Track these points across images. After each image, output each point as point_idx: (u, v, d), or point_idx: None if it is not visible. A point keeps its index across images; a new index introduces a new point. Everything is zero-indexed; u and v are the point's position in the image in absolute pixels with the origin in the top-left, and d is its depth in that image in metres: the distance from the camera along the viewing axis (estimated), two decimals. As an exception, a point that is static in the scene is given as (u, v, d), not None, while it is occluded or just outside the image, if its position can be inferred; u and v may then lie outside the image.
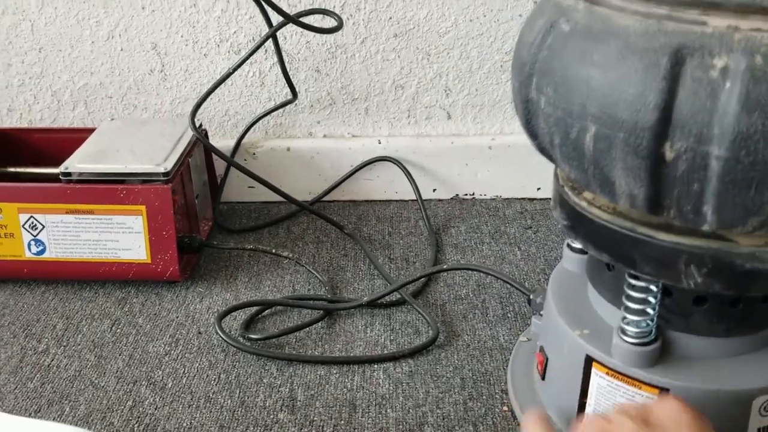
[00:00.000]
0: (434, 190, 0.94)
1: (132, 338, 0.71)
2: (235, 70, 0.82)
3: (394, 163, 0.92)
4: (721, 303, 0.47)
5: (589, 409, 0.52)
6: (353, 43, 0.88)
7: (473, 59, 0.88)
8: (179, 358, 0.68)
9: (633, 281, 0.48)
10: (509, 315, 0.73)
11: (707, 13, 0.36)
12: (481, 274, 0.77)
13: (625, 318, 0.49)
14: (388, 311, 0.73)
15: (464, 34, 0.87)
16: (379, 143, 0.93)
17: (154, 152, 0.77)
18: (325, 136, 0.94)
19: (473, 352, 0.67)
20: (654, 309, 0.48)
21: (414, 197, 0.92)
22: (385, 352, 0.68)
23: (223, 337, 0.68)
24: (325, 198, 0.94)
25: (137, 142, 0.80)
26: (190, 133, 0.82)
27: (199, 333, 0.71)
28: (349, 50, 0.88)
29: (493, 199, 0.94)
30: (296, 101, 0.90)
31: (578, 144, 0.41)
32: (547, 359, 0.57)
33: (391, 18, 0.86)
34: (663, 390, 0.48)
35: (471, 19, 0.86)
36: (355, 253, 0.84)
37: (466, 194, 0.94)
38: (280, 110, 0.92)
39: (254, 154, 0.93)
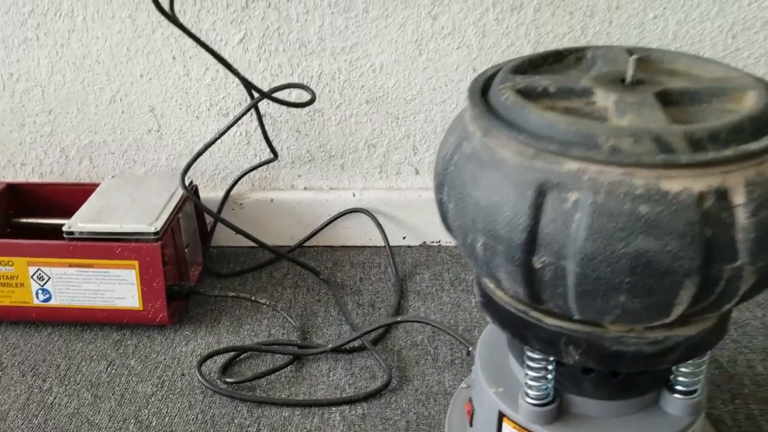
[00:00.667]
0: (404, 237, 1.04)
1: (124, 378, 0.81)
2: (222, 135, 0.91)
3: (366, 214, 1.01)
4: (604, 373, 0.56)
5: (503, 456, 0.61)
6: (329, 108, 0.97)
7: (437, 122, 0.98)
8: (164, 398, 0.78)
9: (530, 353, 0.57)
10: (456, 362, 0.82)
11: (564, 157, 0.45)
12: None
13: (527, 382, 0.58)
14: (351, 356, 0.83)
15: (428, 101, 0.96)
16: (354, 195, 1.02)
17: (147, 211, 0.87)
18: (305, 188, 1.04)
19: (420, 397, 0.77)
20: (551, 375, 0.57)
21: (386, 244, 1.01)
22: (344, 395, 0.77)
23: (202, 381, 0.78)
24: (306, 243, 1.04)
25: (133, 201, 0.90)
26: (181, 191, 0.92)
27: (183, 375, 0.81)
28: (325, 114, 0.98)
29: (457, 246, 1.03)
30: (277, 160, 0.99)
31: (473, 249, 0.50)
32: (474, 409, 0.66)
33: (363, 86, 0.96)
34: (559, 444, 0.57)
35: (434, 88, 0.95)
36: (328, 298, 0.94)
37: (432, 241, 1.04)
38: (265, 166, 1.01)
39: (241, 204, 1.03)
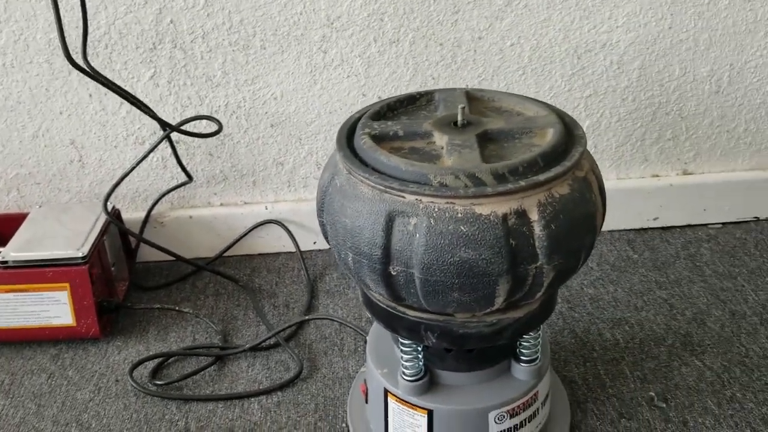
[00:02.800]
0: (314, 242, 1.17)
1: (64, 388, 0.91)
2: (137, 164, 1.02)
3: (278, 224, 1.14)
4: (461, 351, 0.71)
5: (390, 426, 0.75)
6: (238, 132, 1.09)
7: (335, 141, 1.11)
8: (101, 402, 0.89)
9: (402, 340, 0.71)
10: (359, 350, 0.95)
11: (404, 191, 0.59)
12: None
13: (402, 363, 0.72)
14: (267, 353, 0.95)
15: (326, 122, 1.09)
16: (266, 208, 1.14)
17: (74, 237, 0.97)
18: (221, 204, 1.15)
19: (328, 382, 0.90)
20: (420, 355, 0.72)
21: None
22: (261, 387, 0.90)
23: (134, 384, 0.89)
24: (226, 254, 1.16)
25: (61, 229, 0.99)
26: (104, 216, 1.02)
27: (117, 381, 0.92)
28: (235, 138, 1.10)
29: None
30: (192, 181, 1.10)
31: (346, 262, 0.64)
32: (367, 388, 0.80)
33: (266, 112, 1.08)
34: (430, 411, 0.72)
35: (330, 111, 1.08)
36: (246, 302, 1.06)
37: (339, 245, 1.17)
38: (182, 187, 1.12)
39: (162, 222, 1.13)
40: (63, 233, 0.99)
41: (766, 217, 1.19)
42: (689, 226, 1.18)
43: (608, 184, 1.15)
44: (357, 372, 0.91)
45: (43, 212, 1.04)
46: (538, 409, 0.75)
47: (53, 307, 0.95)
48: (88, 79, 1.03)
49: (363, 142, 0.64)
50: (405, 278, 0.61)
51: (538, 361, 0.73)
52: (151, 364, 0.94)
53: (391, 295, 0.63)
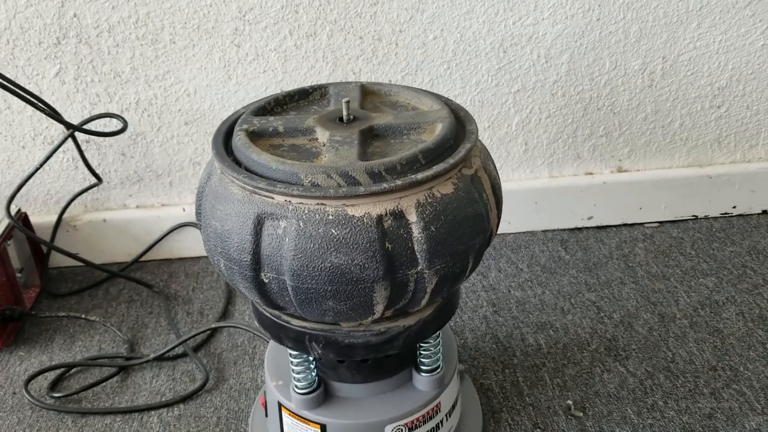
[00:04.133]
0: (237, 245, 1.12)
1: (-44, 403, 0.86)
2: (40, 167, 0.96)
3: (196, 227, 1.09)
4: (355, 361, 0.67)
5: (286, 440, 0.71)
6: (150, 131, 1.04)
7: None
8: (-7, 417, 0.84)
9: (290, 350, 0.66)
10: (271, 358, 0.91)
11: (273, 191, 0.54)
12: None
13: (294, 375, 0.68)
14: (174, 363, 0.91)
15: (244, 120, 1.04)
16: (184, 210, 1.09)
17: (-30, 243, 0.92)
18: (137, 206, 1.10)
19: (233, 394, 0.85)
20: (312, 365, 0.67)
21: (217, 254, 1.09)
22: (163, 399, 0.85)
23: (28, 397, 0.84)
24: (143, 258, 1.11)
25: (-44, 233, 0.94)
26: (7, 221, 0.97)
27: (14, 393, 0.87)
28: (148, 137, 1.04)
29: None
30: (102, 183, 1.05)
31: (220, 268, 0.59)
32: (267, 402, 0.76)
33: (180, 110, 1.03)
34: (323, 426, 0.67)
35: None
36: (159, 310, 1.01)
37: (264, 248, 1.12)
38: (96, 187, 1.07)
39: (75, 226, 1.08)
40: (-42, 238, 0.93)
41: (704, 215, 1.16)
42: (625, 225, 1.15)
43: (541, 183, 1.12)
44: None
45: (-59, 216, 0.99)
46: (441, 421, 0.71)
47: (-54, 317, 0.90)
48: (-12, 75, 0.98)
49: (237, 138, 0.60)
50: (278, 286, 0.56)
51: (439, 370, 0.69)
52: (51, 376, 0.88)
53: (268, 303, 0.59)
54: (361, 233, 0.53)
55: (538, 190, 1.11)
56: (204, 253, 1.11)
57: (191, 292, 1.04)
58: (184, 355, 0.91)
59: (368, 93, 0.69)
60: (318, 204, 0.54)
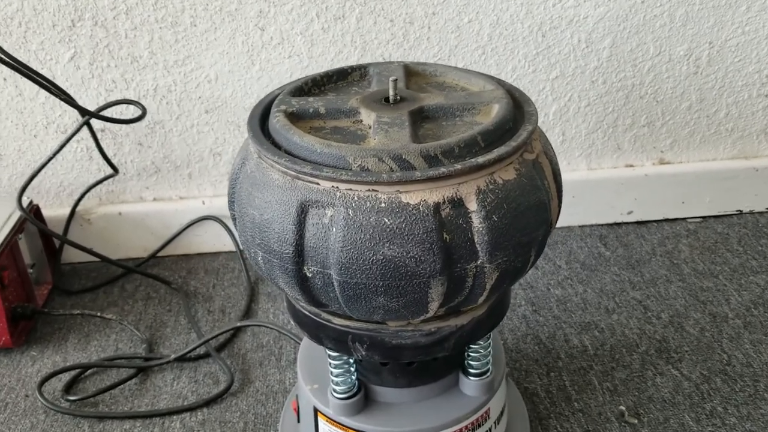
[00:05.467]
0: (258, 240, 1.06)
1: (-35, 406, 0.81)
2: (54, 155, 0.91)
3: (217, 221, 1.04)
4: (400, 363, 0.61)
5: (321, 448, 0.66)
6: (169, 119, 0.99)
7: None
8: (6, 421, 0.78)
9: (330, 352, 0.61)
10: (299, 359, 0.86)
11: (318, 177, 0.49)
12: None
13: (333, 379, 0.62)
14: (195, 364, 0.85)
15: (267, 108, 0.99)
16: (204, 203, 1.04)
17: (-20, 236, 0.86)
18: (154, 199, 1.05)
19: (260, 397, 0.80)
20: (353, 368, 0.62)
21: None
22: (185, 403, 0.79)
23: (42, 401, 0.79)
24: (160, 253, 1.05)
25: (-34, 226, 0.89)
26: (18, 213, 0.92)
27: (26, 396, 0.82)
28: (166, 126, 0.99)
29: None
30: (118, 174, 1.00)
31: (256, 261, 0.54)
32: (299, 406, 0.70)
33: (200, 97, 0.97)
34: (364, 433, 0.62)
35: (271, 95, 0.98)
36: (179, 307, 0.96)
37: (286, 243, 1.07)
38: (111, 179, 1.02)
39: (89, 219, 1.03)
40: (-32, 231, 0.88)
41: (749, 210, 1.10)
42: (666, 220, 1.09)
43: (578, 175, 1.06)
44: (294, 386, 0.81)
45: (-51, 208, 0.94)
46: (490, 429, 0.66)
47: (-45, 315, 0.85)
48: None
49: (276, 120, 0.55)
50: (322, 281, 0.51)
51: (489, 374, 0.64)
52: (66, 377, 0.83)
53: (308, 300, 0.54)
54: (417, 223, 0.48)
55: (575, 183, 1.05)
56: (224, 249, 1.06)
57: (212, 289, 0.99)
58: (206, 355, 0.86)
59: (412, 74, 0.64)
60: (369, 190, 0.48)
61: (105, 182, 1.02)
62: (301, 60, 0.96)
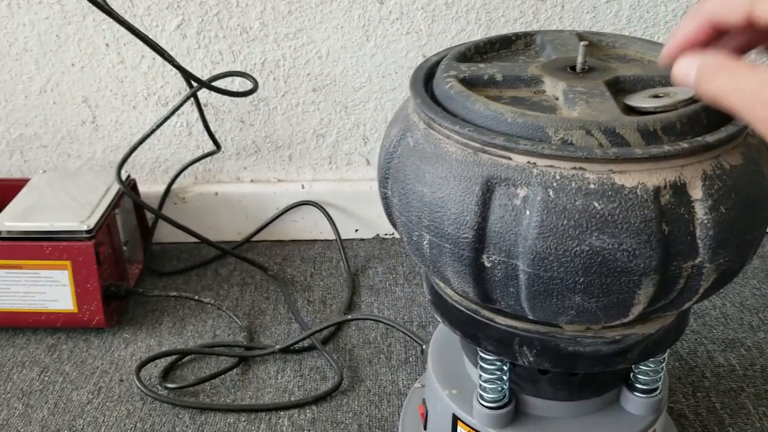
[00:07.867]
0: (356, 230, 1.00)
1: (58, 386, 0.76)
2: (159, 126, 0.86)
3: (316, 207, 0.98)
4: (561, 373, 0.54)
5: (457, 461, 0.59)
6: (274, 96, 0.93)
7: (387, 111, 0.94)
8: (100, 406, 0.73)
9: (483, 354, 0.54)
10: (411, 359, 0.79)
11: (511, 151, 0.42)
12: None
13: (481, 384, 0.55)
14: (300, 357, 0.79)
15: (378, 89, 0.92)
16: (303, 187, 0.98)
17: (79, 208, 0.82)
18: (251, 180, 0.99)
19: (373, 398, 0.74)
20: (506, 376, 0.55)
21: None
22: (292, 398, 0.73)
23: (141, 387, 0.74)
24: (254, 238, 1.00)
25: (65, 197, 0.84)
26: (117, 186, 0.87)
27: (121, 381, 0.77)
28: (270, 103, 0.93)
29: (412, 238, 1.00)
30: (220, 151, 0.95)
31: (419, 246, 0.47)
32: (427, 411, 0.63)
33: (309, 74, 0.91)
34: (513, 449, 0.55)
35: (383, 75, 0.91)
36: (276, 295, 0.90)
37: (386, 234, 1.00)
38: (208, 158, 0.97)
39: (184, 198, 0.98)
40: (67, 203, 0.83)
41: None
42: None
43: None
44: (410, 387, 0.74)
45: (46, 178, 0.89)
46: (653, 452, 0.58)
47: (51, 289, 0.80)
48: (105, 27, 0.88)
49: (449, 86, 0.48)
50: (504, 272, 0.44)
51: (658, 391, 0.56)
52: (163, 363, 0.78)
53: (479, 294, 0.47)
54: (634, 209, 0.40)
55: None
56: (321, 237, 1.00)
57: (309, 279, 0.93)
58: (311, 348, 0.80)
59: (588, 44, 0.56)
60: (575, 168, 0.41)
61: (202, 161, 0.97)
62: (420, 37, 0.89)
